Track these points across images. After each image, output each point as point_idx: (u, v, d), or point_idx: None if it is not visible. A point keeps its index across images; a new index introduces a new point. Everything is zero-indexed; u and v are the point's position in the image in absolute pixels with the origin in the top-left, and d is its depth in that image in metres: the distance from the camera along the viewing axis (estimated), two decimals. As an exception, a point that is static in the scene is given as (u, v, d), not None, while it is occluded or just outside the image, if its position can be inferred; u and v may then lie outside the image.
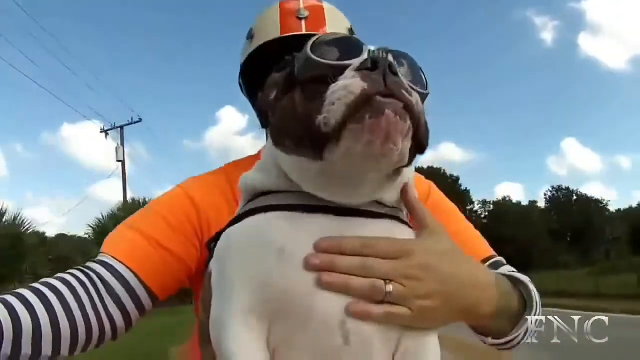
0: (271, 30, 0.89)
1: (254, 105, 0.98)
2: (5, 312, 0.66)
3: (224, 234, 0.59)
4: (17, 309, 0.67)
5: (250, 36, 0.93)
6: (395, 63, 0.51)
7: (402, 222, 0.59)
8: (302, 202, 0.55)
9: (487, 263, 0.82)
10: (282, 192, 0.57)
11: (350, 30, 0.94)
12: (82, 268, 0.78)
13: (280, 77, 0.58)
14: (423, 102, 0.54)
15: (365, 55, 0.51)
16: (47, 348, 0.69)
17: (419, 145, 0.52)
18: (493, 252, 0.86)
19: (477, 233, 0.90)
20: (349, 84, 0.48)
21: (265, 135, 0.94)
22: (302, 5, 0.91)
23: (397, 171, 0.55)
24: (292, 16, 0.90)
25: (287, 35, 0.88)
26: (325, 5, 0.93)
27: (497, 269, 0.78)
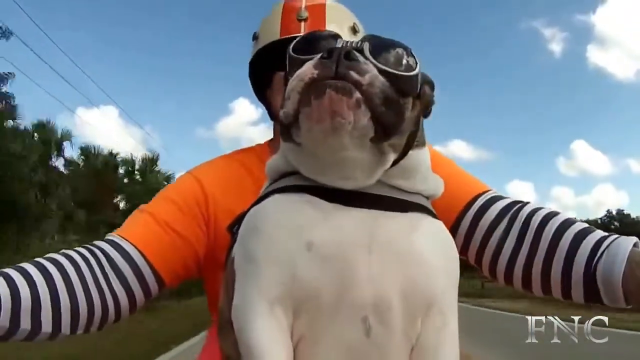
0: (272, 32, 0.92)
1: (261, 102, 1.01)
2: (4, 283, 0.65)
3: (248, 213, 0.59)
4: (17, 281, 0.66)
5: (255, 37, 0.97)
6: (369, 48, 0.53)
7: (430, 212, 0.59)
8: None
9: (485, 196, 0.84)
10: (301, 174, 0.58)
11: (354, 27, 0.94)
12: (88, 245, 0.78)
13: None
14: (411, 83, 0.55)
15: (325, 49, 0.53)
16: (46, 324, 0.68)
17: (381, 124, 0.51)
18: (488, 187, 0.88)
19: (472, 175, 0.92)
20: (300, 73, 0.52)
21: (273, 127, 0.99)
22: (303, 6, 0.92)
23: (381, 149, 0.54)
24: (292, 18, 0.92)
25: (285, 37, 0.90)
26: (328, 2, 0.95)
27: (494, 202, 0.82)
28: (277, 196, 0.57)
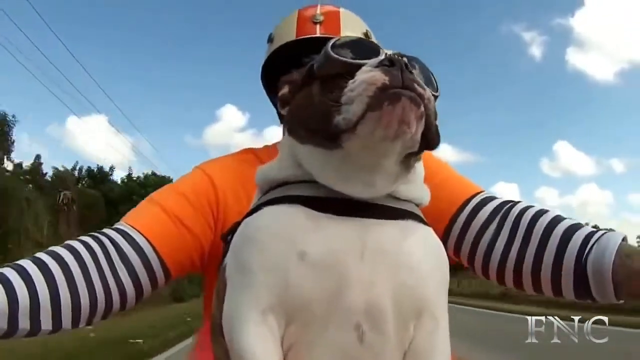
0: (288, 33, 0.94)
1: (273, 104, 1.02)
2: (1, 287, 0.64)
3: (242, 224, 0.59)
4: (14, 283, 0.65)
5: (270, 40, 0.98)
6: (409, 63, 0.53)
7: (419, 219, 0.60)
8: (319, 194, 0.55)
9: (477, 198, 0.84)
10: (299, 183, 0.57)
11: (367, 34, 0.96)
12: (95, 234, 0.77)
13: (299, 73, 0.61)
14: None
15: (382, 56, 0.54)
16: (46, 322, 0.67)
17: (429, 141, 0.54)
18: (481, 189, 0.88)
19: (466, 178, 0.92)
20: (369, 77, 0.51)
21: (282, 130, 0.98)
22: (318, 11, 0.95)
23: (407, 163, 0.56)
24: (308, 20, 0.94)
25: (302, 37, 0.92)
26: (342, 10, 0.97)
27: (486, 204, 0.82)
28: (270, 207, 0.57)
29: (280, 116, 0.99)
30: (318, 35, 0.92)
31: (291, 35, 0.93)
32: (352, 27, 0.95)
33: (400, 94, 0.50)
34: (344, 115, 0.50)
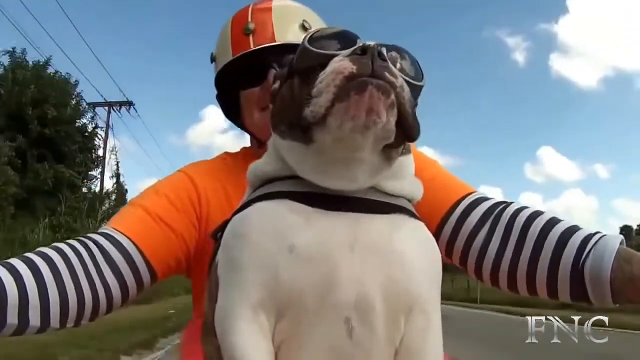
0: (225, 53, 0.92)
1: (232, 121, 1.00)
2: None
3: (232, 220, 0.59)
4: (3, 279, 0.65)
5: (213, 59, 0.97)
6: (387, 52, 0.52)
7: (411, 214, 0.59)
8: (307, 189, 0.55)
9: (469, 198, 0.83)
10: (287, 178, 0.57)
11: (303, 25, 0.91)
12: (80, 238, 0.78)
13: (284, 71, 0.61)
14: (418, 94, 0.56)
15: (356, 45, 0.53)
16: (34, 318, 0.68)
17: (406, 131, 0.53)
18: (473, 189, 0.86)
19: (456, 177, 0.91)
20: (338, 66, 0.50)
21: (250, 139, 0.98)
22: (249, 17, 0.91)
23: (388, 155, 0.55)
24: (240, 33, 0.91)
25: (238, 55, 0.90)
26: (274, 4, 0.93)
27: (479, 204, 0.81)
28: (259, 203, 0.57)
29: (244, 128, 0.98)
30: (252, 49, 0.89)
31: (228, 55, 0.91)
32: (287, 23, 0.91)
33: (367, 82, 0.49)
34: (312, 108, 0.50)
